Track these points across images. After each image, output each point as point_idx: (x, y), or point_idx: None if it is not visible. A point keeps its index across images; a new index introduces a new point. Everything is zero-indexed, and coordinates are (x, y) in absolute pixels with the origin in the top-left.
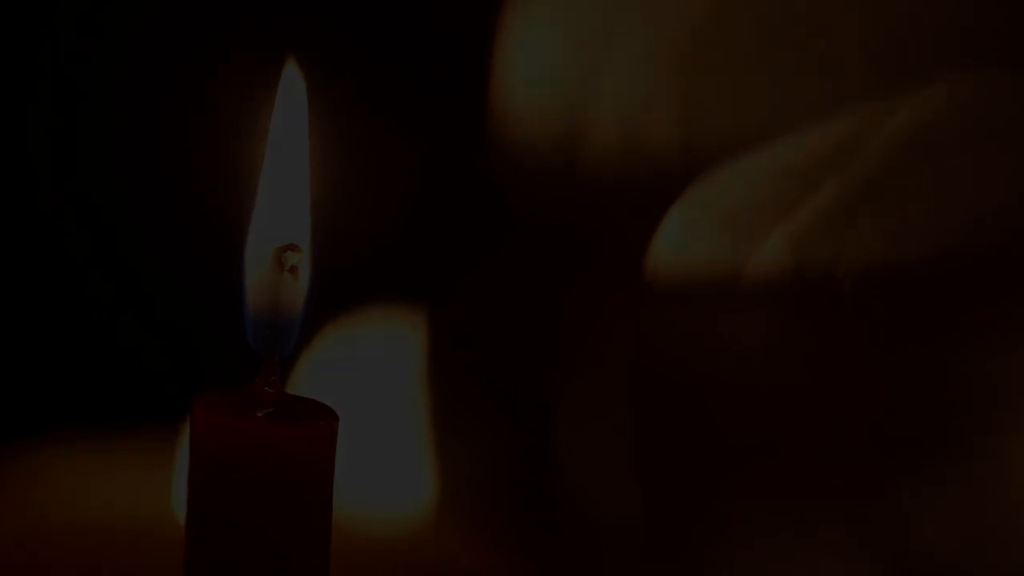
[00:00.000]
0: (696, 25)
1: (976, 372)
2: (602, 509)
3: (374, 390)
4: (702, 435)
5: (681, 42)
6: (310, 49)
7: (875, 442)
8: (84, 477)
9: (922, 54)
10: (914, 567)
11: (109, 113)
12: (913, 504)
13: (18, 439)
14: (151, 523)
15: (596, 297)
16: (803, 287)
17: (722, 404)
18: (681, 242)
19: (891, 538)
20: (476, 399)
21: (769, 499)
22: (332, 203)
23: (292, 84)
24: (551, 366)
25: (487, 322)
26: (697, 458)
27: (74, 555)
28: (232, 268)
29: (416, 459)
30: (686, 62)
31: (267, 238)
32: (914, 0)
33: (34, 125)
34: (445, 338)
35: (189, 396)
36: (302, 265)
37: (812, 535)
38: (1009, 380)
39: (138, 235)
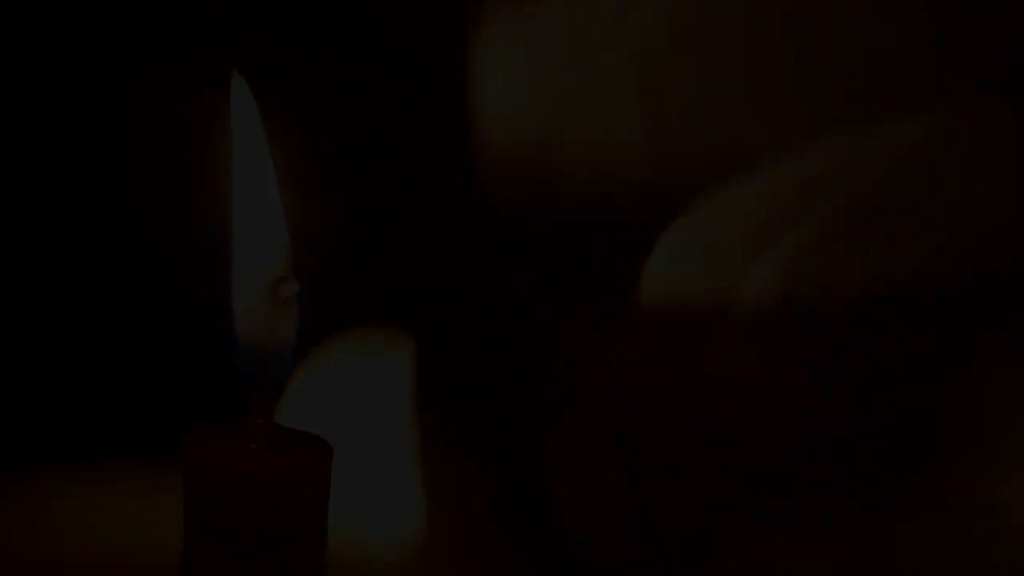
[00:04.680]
0: (671, 52)
1: (963, 397)
2: (592, 535)
3: (363, 416)
4: (691, 460)
5: (654, 68)
6: (292, 87)
7: (865, 466)
8: (81, 508)
9: (908, 84)
10: None
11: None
12: (903, 530)
13: (14, 470)
14: (149, 554)
15: (586, 321)
16: (792, 312)
17: (712, 429)
18: (671, 269)
19: (879, 561)
20: (466, 425)
21: (759, 524)
22: (318, 229)
23: (242, 105)
24: (541, 391)
25: (477, 347)
26: (686, 483)
27: None
28: (223, 299)
29: (407, 485)
30: (659, 88)
31: (249, 267)
32: (899, 30)
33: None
34: (434, 363)
35: (185, 427)
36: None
37: (802, 562)
38: (995, 405)
39: (134, 264)
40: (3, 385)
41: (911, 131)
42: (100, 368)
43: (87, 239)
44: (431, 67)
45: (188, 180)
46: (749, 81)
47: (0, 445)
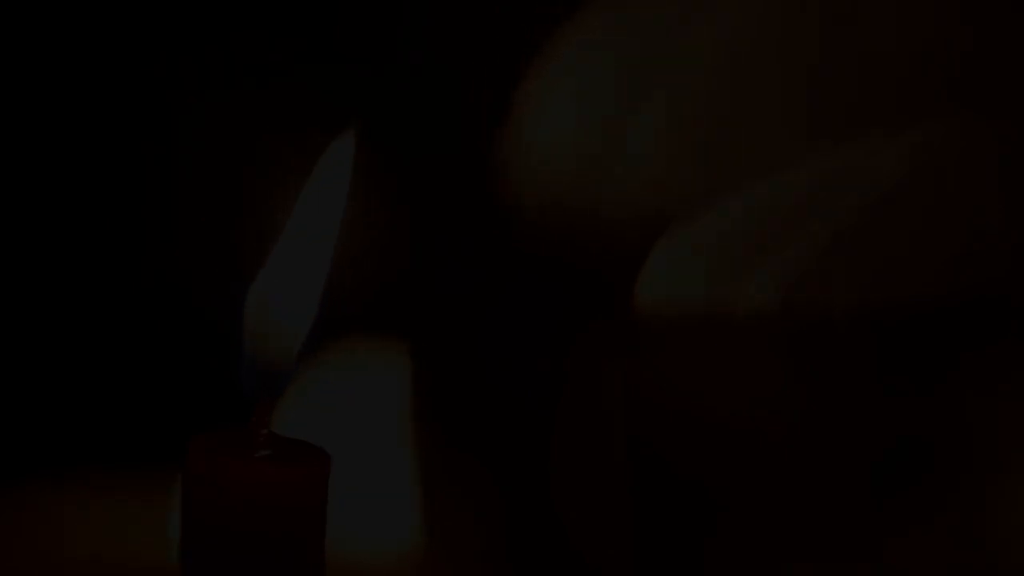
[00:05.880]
0: (694, 68)
1: (966, 415)
2: (594, 550)
3: (364, 427)
4: (694, 476)
5: (693, 98)
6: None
7: (863, 483)
8: (80, 515)
9: (909, 96)
10: None
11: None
12: (901, 549)
13: (11, 479)
14: (144, 565)
15: (590, 337)
16: (790, 326)
17: (713, 445)
18: (666, 281)
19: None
20: (468, 437)
21: (759, 543)
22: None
23: (342, 151)
24: (544, 405)
25: (479, 359)
26: (689, 500)
27: None
28: (228, 310)
29: (407, 498)
30: (698, 122)
31: (276, 286)
32: (899, 45)
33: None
34: (437, 375)
35: (182, 436)
36: (300, 312)
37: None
38: (998, 424)
39: (136, 273)
40: (4, 391)
41: (912, 146)
42: (101, 376)
43: (91, 242)
44: (467, 98)
45: (211, 191)
46: (775, 108)
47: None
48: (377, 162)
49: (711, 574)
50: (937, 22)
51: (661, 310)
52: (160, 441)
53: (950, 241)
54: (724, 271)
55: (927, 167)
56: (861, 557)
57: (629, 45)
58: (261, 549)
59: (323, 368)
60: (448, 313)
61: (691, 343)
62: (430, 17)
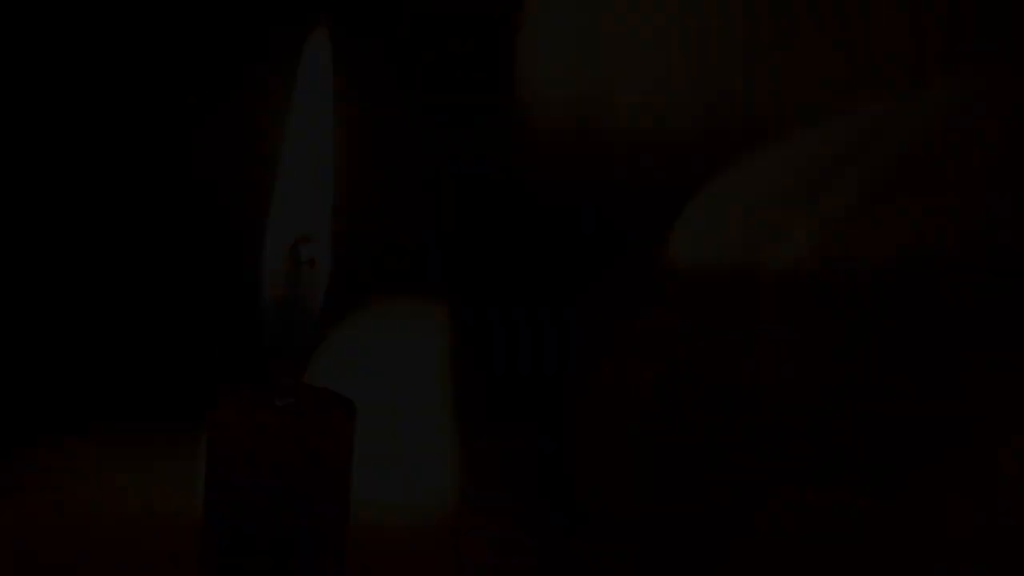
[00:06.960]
0: (718, 12)
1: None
2: (621, 505)
3: (394, 382)
4: (718, 428)
5: (703, 28)
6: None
7: (889, 436)
8: (107, 469)
9: (941, 51)
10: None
11: (120, 102)
12: (923, 496)
13: (40, 435)
14: (173, 515)
15: (617, 289)
16: (823, 279)
17: (739, 397)
18: (698, 233)
19: (897, 535)
20: (496, 393)
21: (783, 497)
22: (352, 194)
23: (317, 62)
24: (571, 360)
25: (508, 315)
26: (713, 452)
27: (96, 545)
28: (250, 261)
29: (435, 452)
30: (708, 47)
31: (286, 231)
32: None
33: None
34: (466, 331)
35: (211, 389)
36: (320, 257)
37: (827, 532)
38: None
39: (156, 226)
40: (30, 350)
41: (947, 100)
42: (126, 331)
43: (120, 194)
44: (476, 30)
45: (227, 136)
46: (784, 41)
47: (29, 408)
48: (411, 120)
49: (730, 528)
50: None
51: (693, 261)
52: (188, 393)
53: (981, 197)
54: (757, 225)
55: (959, 122)
56: (870, 544)
57: None
58: (282, 498)
59: (358, 328)
60: (482, 275)
61: (721, 295)
62: None
